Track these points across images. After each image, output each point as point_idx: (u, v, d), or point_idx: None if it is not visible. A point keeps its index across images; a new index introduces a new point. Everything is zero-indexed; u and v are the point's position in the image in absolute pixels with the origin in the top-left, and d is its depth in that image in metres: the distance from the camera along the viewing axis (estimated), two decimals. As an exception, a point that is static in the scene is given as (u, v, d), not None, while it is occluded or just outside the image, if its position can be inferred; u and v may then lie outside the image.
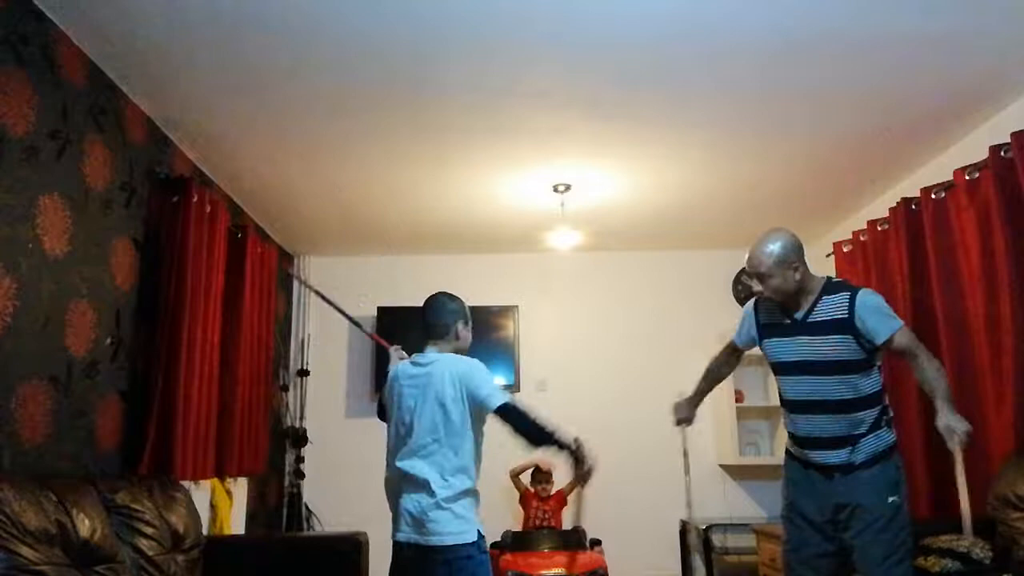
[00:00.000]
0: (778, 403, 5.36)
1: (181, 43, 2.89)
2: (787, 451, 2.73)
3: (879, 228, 4.26)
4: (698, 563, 5.10)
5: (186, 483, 3.34)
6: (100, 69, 3.03)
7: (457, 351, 2.61)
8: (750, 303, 2.78)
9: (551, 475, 4.86)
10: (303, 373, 5.51)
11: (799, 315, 2.53)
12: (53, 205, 2.72)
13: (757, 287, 2.57)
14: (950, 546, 2.89)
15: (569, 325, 5.73)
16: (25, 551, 2.09)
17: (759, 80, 3.24)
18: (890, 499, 2.45)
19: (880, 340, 2.44)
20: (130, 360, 3.25)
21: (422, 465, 2.44)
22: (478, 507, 2.49)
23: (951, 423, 2.36)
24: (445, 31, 2.85)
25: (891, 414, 2.60)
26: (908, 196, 4.00)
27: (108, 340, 3.09)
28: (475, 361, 2.54)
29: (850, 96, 3.38)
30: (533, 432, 2.40)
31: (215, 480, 3.87)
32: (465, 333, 2.64)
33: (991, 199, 3.35)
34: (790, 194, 4.60)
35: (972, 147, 3.63)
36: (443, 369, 2.49)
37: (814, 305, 2.50)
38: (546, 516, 4.78)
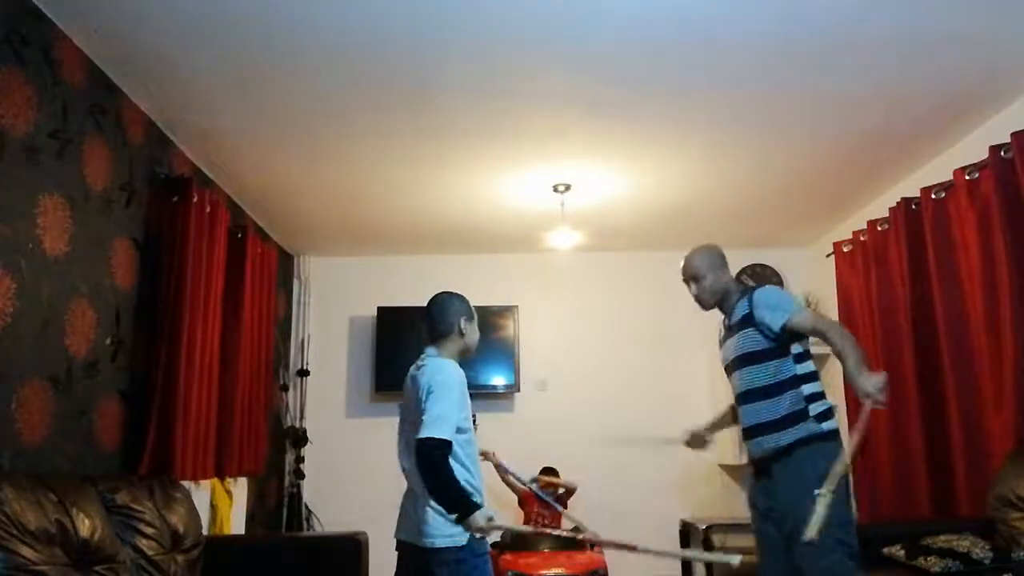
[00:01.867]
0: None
1: (181, 43, 2.89)
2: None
3: (879, 228, 4.26)
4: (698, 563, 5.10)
5: (186, 483, 3.34)
6: (100, 69, 3.03)
7: (463, 350, 2.59)
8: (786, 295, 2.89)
9: (557, 475, 4.87)
10: (303, 373, 5.51)
11: (729, 321, 2.80)
12: (53, 205, 2.72)
13: (693, 289, 2.82)
14: (950, 546, 2.89)
15: (569, 325, 5.73)
16: (25, 551, 2.09)
17: (759, 80, 3.24)
18: (816, 491, 2.37)
19: (776, 327, 2.60)
20: (130, 360, 3.25)
21: (412, 464, 2.43)
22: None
23: (865, 386, 2.36)
24: (445, 31, 2.85)
25: (825, 407, 2.62)
26: (908, 196, 4.00)
27: (108, 340, 3.09)
28: (450, 378, 2.42)
29: (850, 96, 3.38)
30: (428, 482, 2.32)
31: (215, 480, 3.87)
32: (470, 331, 2.60)
33: (991, 199, 3.35)
34: (790, 194, 4.60)
35: (972, 147, 3.63)
36: (424, 375, 2.45)
37: (733, 309, 2.76)
38: (546, 520, 4.76)
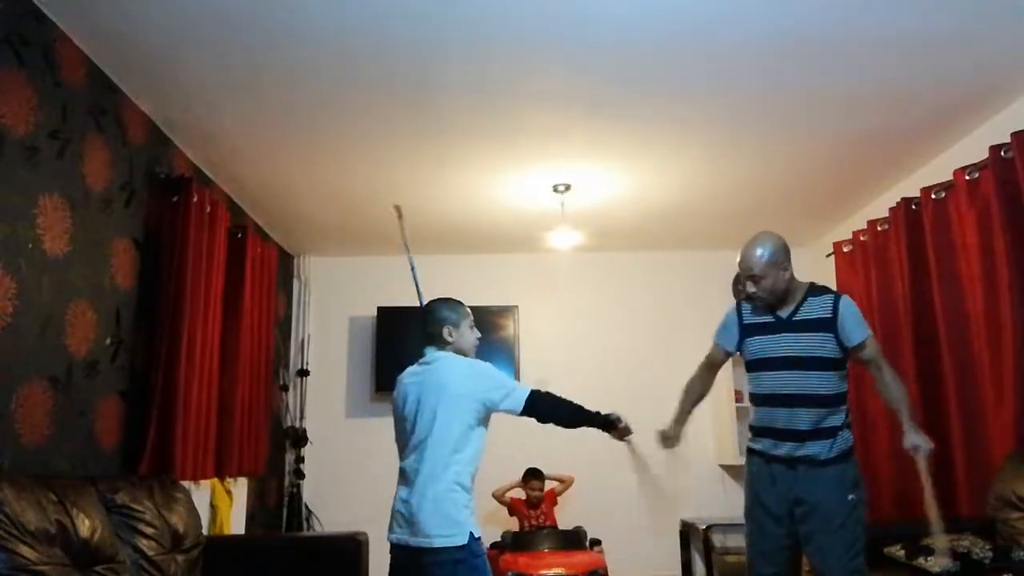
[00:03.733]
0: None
1: (181, 43, 2.89)
2: (749, 449, 2.82)
3: (879, 228, 4.26)
4: (698, 563, 5.11)
5: (186, 483, 3.34)
6: (100, 69, 3.03)
7: (459, 352, 2.61)
8: (731, 309, 2.90)
9: (542, 476, 4.85)
10: (303, 373, 5.51)
11: (784, 314, 2.68)
12: (53, 205, 2.72)
13: (751, 288, 2.69)
14: (950, 546, 2.89)
15: (569, 325, 5.73)
16: (25, 551, 2.09)
17: (759, 80, 3.24)
18: (849, 496, 2.58)
19: (854, 342, 2.61)
20: (130, 360, 3.25)
21: (417, 464, 2.43)
22: (470, 508, 2.44)
23: (917, 442, 2.55)
24: (446, 31, 2.85)
25: (850, 419, 2.73)
26: (908, 196, 4.00)
27: (108, 340, 3.09)
28: (479, 362, 2.54)
29: (850, 96, 3.38)
30: (562, 413, 2.52)
31: (215, 480, 3.87)
32: (459, 337, 2.59)
33: (991, 199, 3.35)
34: (790, 194, 4.60)
35: (972, 147, 3.63)
36: (446, 368, 2.49)
37: (800, 305, 2.66)
38: (539, 520, 4.77)
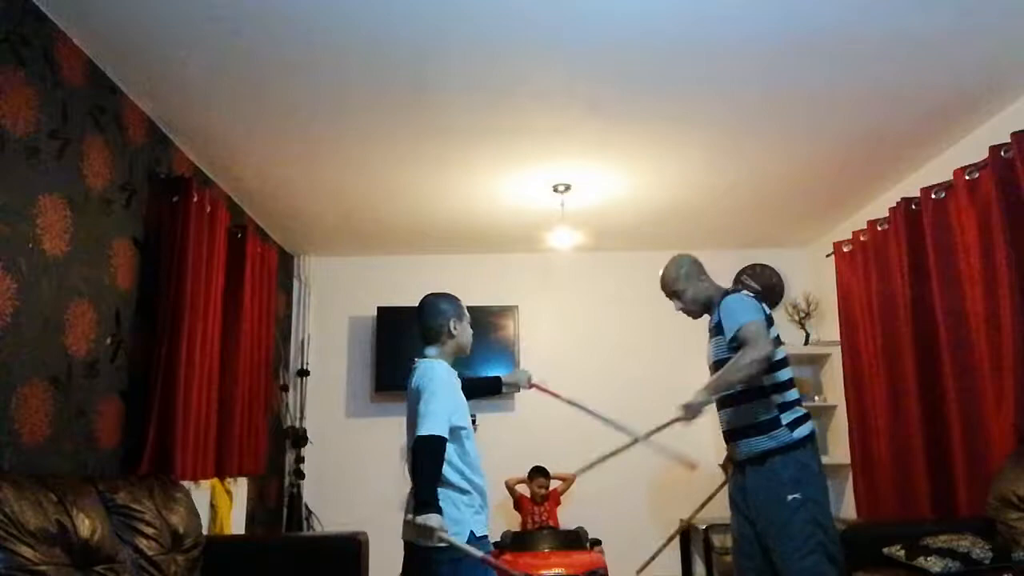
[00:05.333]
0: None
1: (181, 43, 2.89)
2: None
3: (879, 228, 4.26)
4: (698, 563, 5.10)
5: (186, 483, 3.34)
6: (100, 69, 3.03)
7: (457, 349, 2.64)
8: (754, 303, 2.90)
9: (548, 474, 4.87)
10: (303, 373, 5.51)
11: (710, 323, 2.91)
12: (53, 205, 2.72)
13: (676, 304, 2.95)
14: (950, 546, 2.89)
15: (569, 325, 5.72)
16: (25, 551, 2.09)
17: (759, 80, 3.24)
18: (789, 497, 2.60)
19: (728, 336, 2.71)
20: (130, 360, 3.25)
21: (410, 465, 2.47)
22: (474, 507, 2.46)
23: (691, 401, 2.65)
24: (446, 31, 2.85)
25: (797, 415, 2.73)
26: (908, 196, 4.00)
27: (108, 340, 3.09)
28: (437, 377, 2.47)
29: (850, 96, 3.38)
30: (412, 474, 2.46)
31: (215, 480, 3.87)
32: (461, 331, 2.63)
33: (991, 199, 3.35)
34: (790, 194, 4.60)
35: (972, 147, 3.63)
36: (415, 378, 2.52)
37: (713, 312, 2.88)
38: (542, 517, 4.78)
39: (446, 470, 2.41)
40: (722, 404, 2.82)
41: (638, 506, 5.28)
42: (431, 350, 2.61)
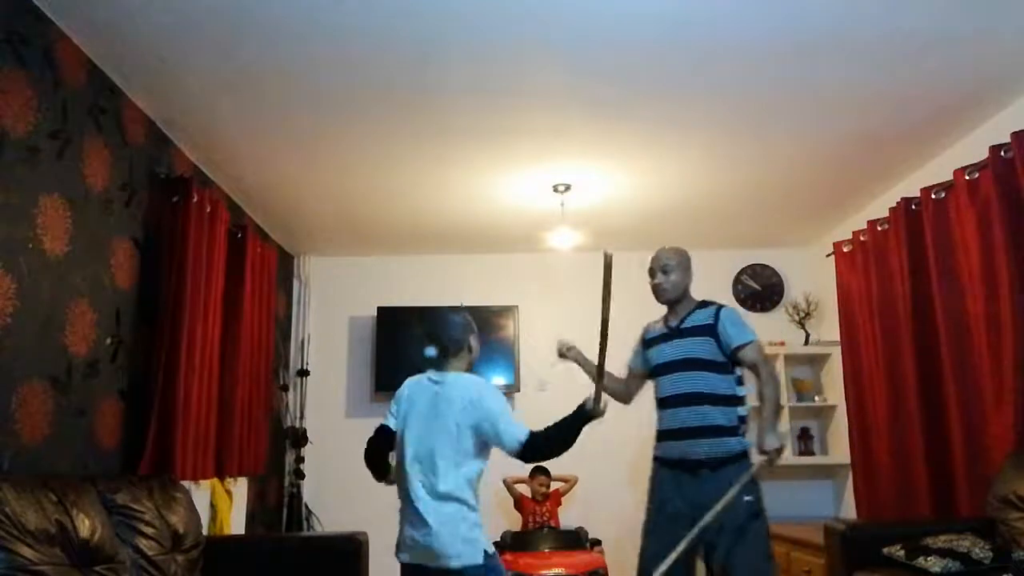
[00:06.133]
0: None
1: (181, 43, 2.89)
2: (655, 458, 2.97)
3: (879, 228, 4.26)
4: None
5: (186, 483, 3.34)
6: (100, 69, 3.03)
7: (470, 364, 2.61)
8: (637, 339, 3.17)
9: (549, 473, 4.87)
10: (303, 373, 5.51)
11: (674, 323, 3.00)
12: (53, 205, 2.72)
13: (660, 278, 3.01)
14: (950, 546, 2.89)
15: (569, 325, 5.70)
16: (25, 551, 2.09)
17: (759, 80, 3.24)
18: (745, 498, 2.71)
19: (734, 344, 2.85)
20: (130, 360, 3.25)
21: (427, 483, 2.39)
22: (481, 528, 2.42)
23: (772, 442, 2.71)
24: (446, 31, 2.85)
25: (744, 428, 2.88)
26: (908, 196, 4.00)
27: (108, 340, 3.09)
28: (493, 387, 2.53)
29: (850, 96, 3.38)
30: (562, 448, 2.48)
31: (215, 480, 3.87)
32: (476, 347, 2.62)
33: (991, 199, 3.35)
34: (790, 194, 4.60)
35: (972, 147, 3.63)
36: (456, 392, 2.45)
37: (687, 316, 2.97)
38: (544, 517, 4.78)
39: (469, 491, 2.39)
40: (676, 403, 2.87)
41: (638, 506, 5.26)
42: (457, 363, 2.56)
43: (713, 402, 2.82)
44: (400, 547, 2.45)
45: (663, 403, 2.94)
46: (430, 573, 2.35)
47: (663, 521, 2.84)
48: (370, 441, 2.58)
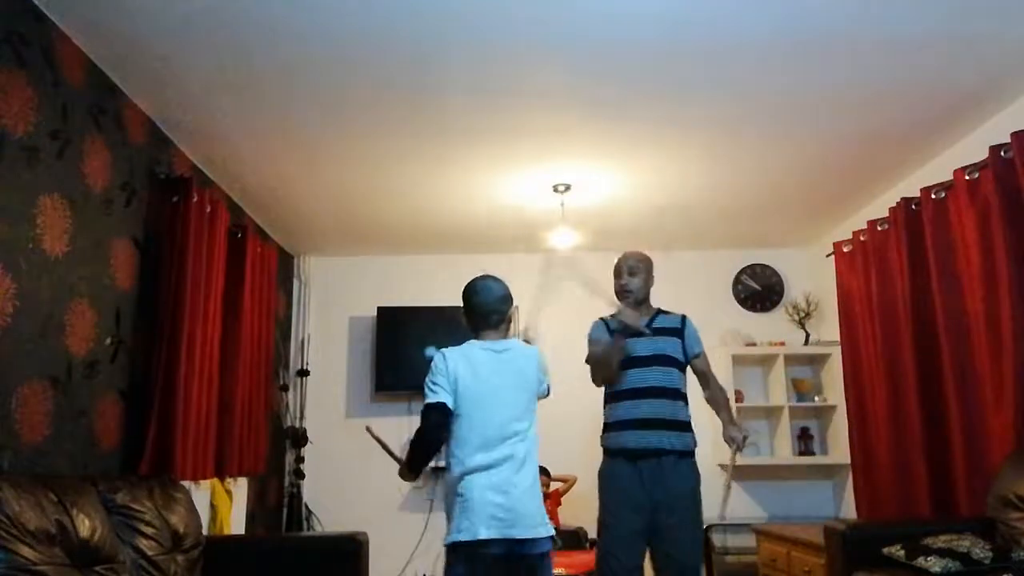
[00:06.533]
0: (779, 403, 5.36)
1: (181, 43, 2.89)
2: (610, 450, 3.06)
3: (879, 228, 4.25)
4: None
5: (186, 483, 3.34)
6: (100, 69, 3.03)
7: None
8: (597, 323, 3.29)
9: (549, 473, 4.87)
10: (303, 373, 5.51)
11: (644, 322, 3.10)
12: (53, 205, 2.72)
13: (625, 280, 3.17)
14: (950, 546, 2.89)
15: (569, 325, 5.72)
16: (25, 551, 2.09)
17: (759, 80, 3.24)
18: (698, 492, 3.01)
19: (694, 351, 3.14)
20: (130, 360, 3.25)
21: (515, 450, 2.34)
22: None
23: (735, 434, 2.97)
24: (445, 31, 2.85)
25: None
26: (908, 196, 4.00)
27: (108, 340, 3.09)
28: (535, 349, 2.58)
29: (851, 96, 3.38)
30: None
31: (215, 480, 3.87)
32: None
33: (991, 199, 3.35)
34: (790, 194, 4.60)
35: (972, 147, 3.63)
36: (525, 360, 2.49)
37: (654, 318, 3.16)
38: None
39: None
40: (644, 395, 3.00)
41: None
42: (505, 329, 2.56)
43: (680, 398, 3.05)
44: (477, 525, 2.24)
45: (629, 394, 3.03)
46: (517, 546, 2.25)
47: (625, 514, 2.93)
48: (438, 423, 2.35)
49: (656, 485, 2.91)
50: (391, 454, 2.56)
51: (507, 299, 2.58)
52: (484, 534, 2.23)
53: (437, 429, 2.36)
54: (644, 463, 2.94)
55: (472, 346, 2.47)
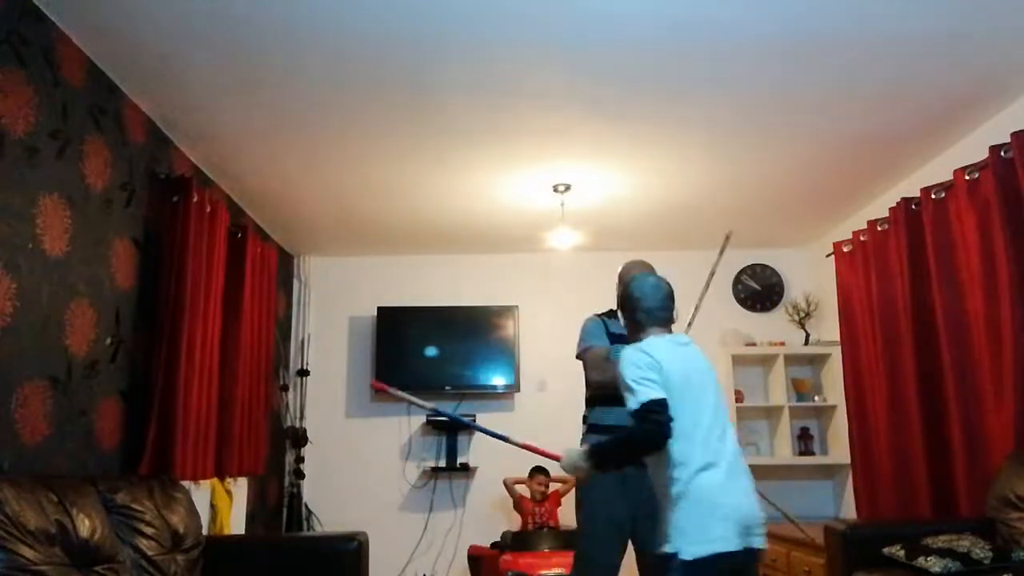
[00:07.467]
0: (778, 403, 5.35)
1: (181, 43, 2.89)
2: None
3: (879, 228, 4.25)
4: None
5: (186, 483, 3.34)
6: (100, 69, 3.03)
7: None
8: (593, 320, 3.38)
9: (548, 473, 4.87)
10: (303, 373, 5.51)
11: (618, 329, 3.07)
12: (53, 205, 2.72)
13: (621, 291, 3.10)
14: (950, 546, 2.89)
15: (569, 325, 5.71)
16: (25, 551, 2.09)
17: (759, 80, 3.24)
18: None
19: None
20: (130, 360, 3.25)
21: (734, 451, 2.22)
22: None
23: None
24: (445, 31, 2.85)
25: None
26: (908, 196, 4.00)
27: (108, 340, 3.09)
28: None
29: (850, 96, 3.38)
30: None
31: (215, 480, 3.87)
32: None
33: (991, 199, 3.35)
34: (790, 194, 4.60)
35: (972, 147, 3.63)
36: (700, 354, 2.38)
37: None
38: (543, 517, 4.78)
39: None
40: (616, 401, 2.85)
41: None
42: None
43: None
44: (722, 532, 2.06)
45: (613, 399, 2.91)
46: (748, 557, 2.08)
47: (612, 523, 2.93)
48: (667, 418, 2.14)
49: (641, 489, 2.83)
50: (496, 435, 2.56)
51: (672, 296, 2.49)
52: (728, 546, 2.04)
53: (666, 421, 2.13)
54: (628, 467, 2.85)
55: (661, 339, 2.33)
